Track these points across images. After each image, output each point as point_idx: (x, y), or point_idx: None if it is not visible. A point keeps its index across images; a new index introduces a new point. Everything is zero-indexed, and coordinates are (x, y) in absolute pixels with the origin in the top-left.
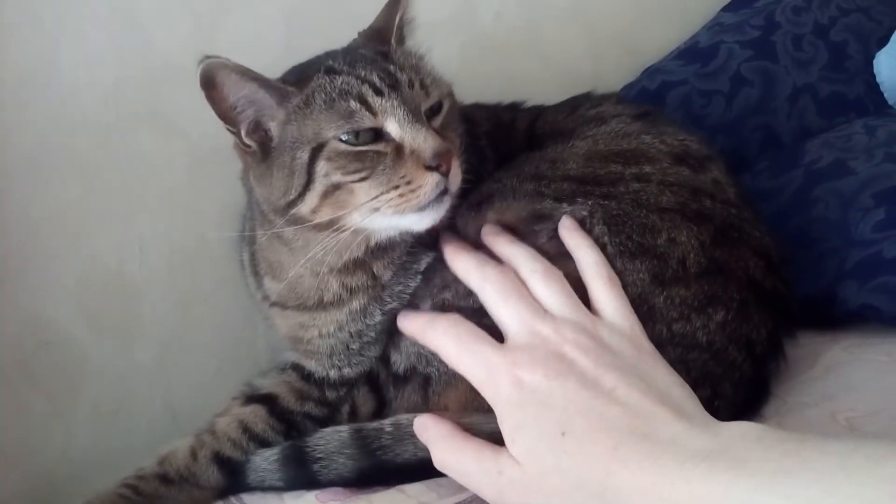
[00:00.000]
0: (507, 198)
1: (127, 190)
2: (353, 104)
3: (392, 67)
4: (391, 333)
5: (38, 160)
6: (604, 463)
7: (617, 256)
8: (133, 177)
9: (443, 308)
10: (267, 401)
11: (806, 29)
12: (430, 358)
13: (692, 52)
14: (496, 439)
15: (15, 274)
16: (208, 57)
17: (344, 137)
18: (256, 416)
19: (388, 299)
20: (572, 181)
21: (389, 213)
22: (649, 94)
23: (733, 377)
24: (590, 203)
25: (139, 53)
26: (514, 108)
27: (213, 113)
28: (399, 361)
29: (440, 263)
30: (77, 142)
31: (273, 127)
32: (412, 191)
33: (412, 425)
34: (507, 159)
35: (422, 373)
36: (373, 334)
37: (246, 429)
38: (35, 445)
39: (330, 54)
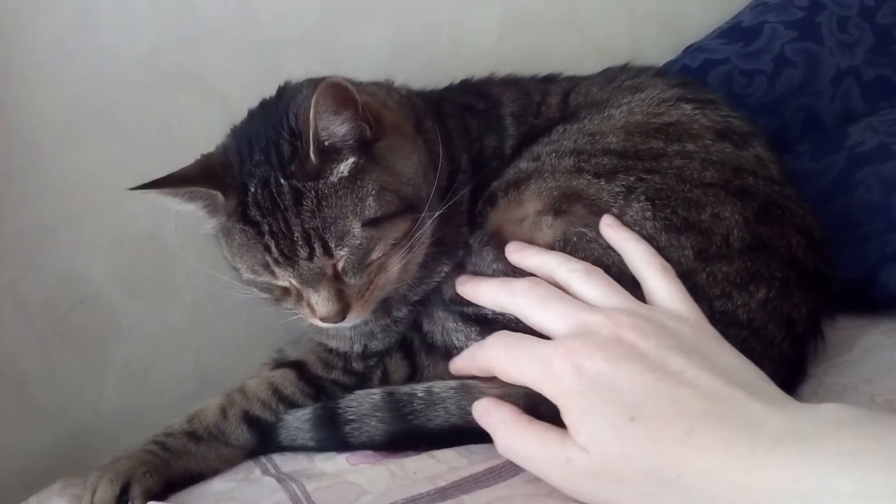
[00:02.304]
0: (546, 178)
1: (163, 151)
2: (257, 266)
3: (297, 230)
4: (423, 305)
5: (76, 119)
6: (675, 448)
7: (662, 231)
8: (170, 139)
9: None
10: (296, 366)
11: (852, 11)
12: (468, 332)
13: (735, 31)
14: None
15: (51, 232)
16: None
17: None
18: (286, 379)
19: (414, 296)
20: (613, 155)
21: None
22: (690, 72)
23: (772, 355)
24: (632, 178)
25: (178, 15)
26: (548, 80)
27: (249, 76)
28: (433, 332)
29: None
30: (115, 102)
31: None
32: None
33: (445, 392)
34: (535, 136)
35: (461, 348)
36: (399, 327)
37: (276, 390)
38: (66, 402)
39: (253, 174)
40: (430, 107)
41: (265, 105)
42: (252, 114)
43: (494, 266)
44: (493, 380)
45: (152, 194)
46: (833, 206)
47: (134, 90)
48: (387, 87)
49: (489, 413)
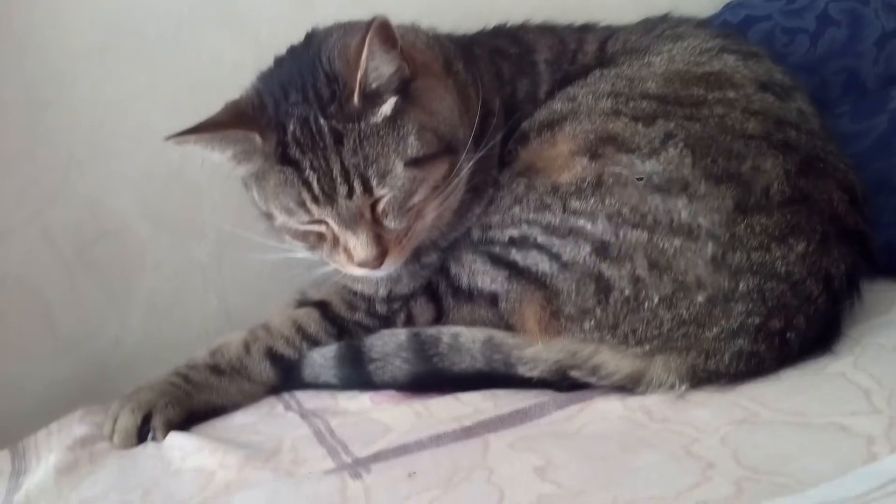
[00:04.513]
0: (581, 119)
1: (193, 85)
2: (293, 205)
3: (337, 168)
4: (452, 249)
5: (106, 51)
6: None
7: (702, 179)
8: (200, 72)
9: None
10: (320, 306)
11: None
12: (495, 275)
13: None
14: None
15: (79, 162)
16: None
17: None
18: (310, 317)
19: (445, 242)
20: (652, 99)
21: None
22: (730, 28)
23: (808, 310)
24: (672, 124)
25: None
26: (585, 29)
27: (282, 11)
28: (461, 275)
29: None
30: (147, 32)
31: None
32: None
33: (471, 345)
34: (570, 82)
35: (487, 291)
36: (426, 271)
37: (300, 328)
38: (90, 332)
39: (290, 114)
40: (459, 49)
41: (294, 51)
42: (281, 60)
43: (526, 197)
44: (520, 335)
45: (188, 141)
46: (872, 169)
47: (165, 22)
48: (413, 29)
49: None
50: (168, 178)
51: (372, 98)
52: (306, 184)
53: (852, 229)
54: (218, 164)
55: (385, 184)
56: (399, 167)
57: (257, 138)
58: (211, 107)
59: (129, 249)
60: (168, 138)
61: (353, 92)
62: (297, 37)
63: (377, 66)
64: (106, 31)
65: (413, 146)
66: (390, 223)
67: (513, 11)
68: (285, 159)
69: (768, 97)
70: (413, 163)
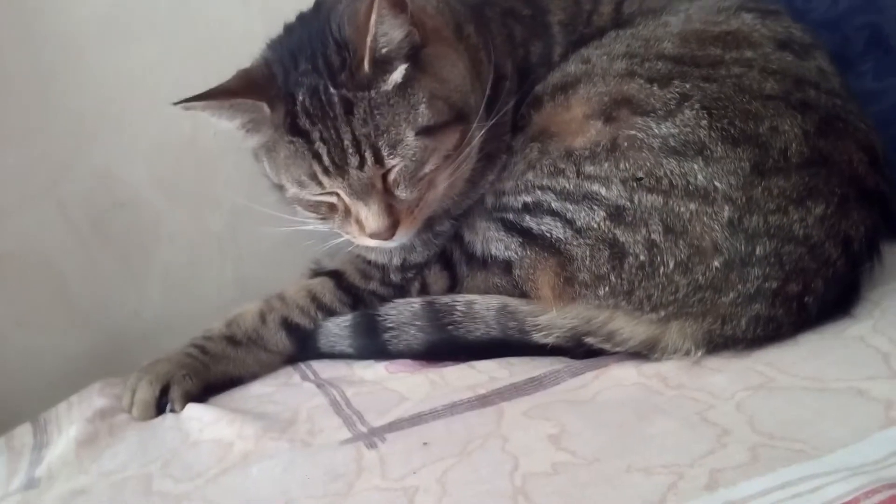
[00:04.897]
0: (595, 82)
1: (203, 56)
2: (304, 177)
3: (348, 138)
4: (465, 217)
5: (116, 19)
6: None
7: (718, 142)
8: (210, 41)
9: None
10: (334, 276)
11: None
12: (509, 242)
13: None
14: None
15: (91, 132)
16: None
17: None
18: (325, 287)
19: (458, 210)
20: (668, 60)
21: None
22: None
23: (827, 274)
24: (688, 85)
25: None
26: None
27: None
28: (475, 242)
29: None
30: (155, 3)
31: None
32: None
33: (486, 312)
34: (585, 44)
35: (501, 258)
36: (439, 240)
37: (314, 298)
38: (106, 304)
39: (300, 83)
40: (470, 12)
41: (304, 18)
42: (290, 27)
43: (539, 162)
44: (534, 302)
45: (196, 107)
46: (894, 129)
47: None
48: None
49: None
50: (181, 149)
51: (382, 65)
52: (316, 155)
53: (872, 191)
54: (227, 132)
55: (396, 154)
56: (410, 136)
57: (266, 108)
58: (221, 76)
59: (144, 220)
60: (176, 104)
61: (362, 59)
62: (307, 3)
63: (386, 32)
64: (114, 0)
65: (424, 115)
66: (402, 193)
67: None
68: (295, 130)
69: (787, 56)
70: (424, 132)
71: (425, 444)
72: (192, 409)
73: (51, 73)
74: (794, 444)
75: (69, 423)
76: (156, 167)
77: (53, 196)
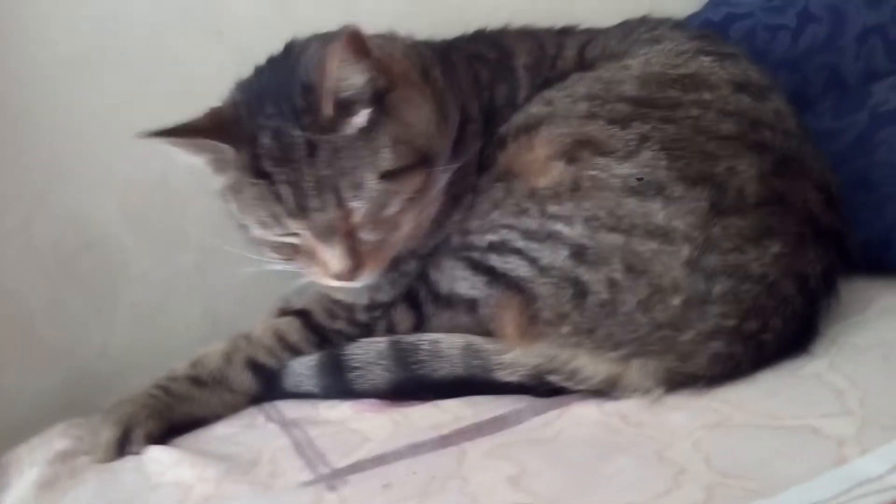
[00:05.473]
0: (557, 122)
1: (175, 94)
2: (267, 218)
3: (311, 181)
4: (432, 256)
5: (88, 57)
6: None
7: (677, 181)
8: (181, 81)
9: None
10: (301, 315)
11: None
12: (474, 280)
13: None
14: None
15: (62, 172)
16: None
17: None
18: (291, 326)
19: (424, 250)
20: (628, 102)
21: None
22: (713, 26)
23: (784, 312)
24: (647, 126)
25: None
26: (565, 32)
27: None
28: (440, 282)
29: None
30: (127, 41)
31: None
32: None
33: (451, 350)
34: (548, 87)
35: (467, 296)
36: (406, 279)
37: (281, 337)
38: (74, 343)
39: (264, 126)
40: (436, 56)
41: (273, 61)
42: (260, 69)
43: (504, 202)
44: (498, 340)
45: (162, 142)
46: (853, 167)
47: (146, 29)
48: (390, 38)
49: None
50: (151, 188)
51: (344, 109)
52: (279, 197)
53: (828, 229)
54: (192, 166)
55: (358, 197)
56: (372, 180)
57: (231, 151)
58: (194, 114)
59: (113, 259)
60: (141, 135)
61: (325, 102)
62: (279, 44)
63: (347, 76)
64: (88, 37)
65: (387, 159)
66: (365, 235)
67: (493, 17)
68: (259, 172)
69: (744, 98)
70: (387, 175)
71: (385, 485)
72: (154, 451)
73: (21, 109)
74: (748, 483)
75: (30, 466)
76: (126, 205)
77: (23, 235)
